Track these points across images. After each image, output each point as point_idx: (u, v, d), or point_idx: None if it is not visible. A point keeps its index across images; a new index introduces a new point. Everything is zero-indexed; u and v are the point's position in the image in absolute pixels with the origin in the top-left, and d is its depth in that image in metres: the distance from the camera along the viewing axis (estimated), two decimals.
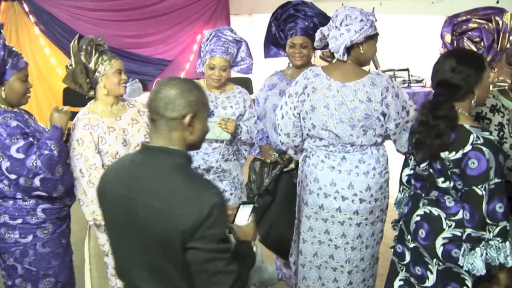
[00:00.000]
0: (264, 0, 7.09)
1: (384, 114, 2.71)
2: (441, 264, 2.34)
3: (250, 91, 8.09)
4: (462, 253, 2.24)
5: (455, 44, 2.71)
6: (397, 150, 2.95)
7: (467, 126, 2.20)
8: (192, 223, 1.58)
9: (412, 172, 2.60)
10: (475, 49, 2.62)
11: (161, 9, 7.79)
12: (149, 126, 1.80)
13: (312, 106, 2.77)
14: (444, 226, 2.33)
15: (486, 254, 2.18)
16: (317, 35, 2.81)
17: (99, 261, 3.09)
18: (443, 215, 2.34)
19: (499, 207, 2.17)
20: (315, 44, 2.90)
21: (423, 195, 2.45)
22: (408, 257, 2.54)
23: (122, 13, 7.57)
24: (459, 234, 2.28)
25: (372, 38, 2.70)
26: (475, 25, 2.64)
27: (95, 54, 2.85)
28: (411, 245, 2.49)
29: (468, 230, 2.23)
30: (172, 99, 1.68)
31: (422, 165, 2.40)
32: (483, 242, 2.20)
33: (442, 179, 2.33)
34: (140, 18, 7.70)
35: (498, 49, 2.61)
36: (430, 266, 2.40)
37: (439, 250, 2.32)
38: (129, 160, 1.80)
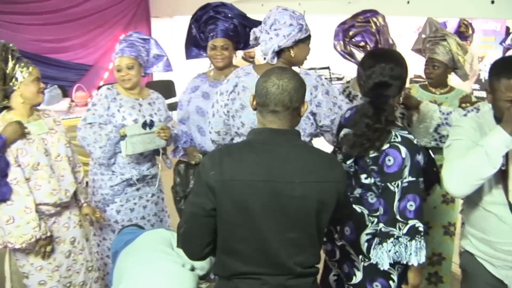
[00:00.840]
0: (185, 2, 7.02)
1: (313, 114, 2.73)
2: (366, 260, 2.38)
3: (173, 94, 8.02)
4: (373, 246, 2.31)
5: (347, 50, 2.85)
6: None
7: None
8: (338, 187, 1.92)
9: None
10: (362, 54, 2.80)
11: (80, 12, 7.57)
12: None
13: (242, 105, 2.77)
14: (367, 222, 2.37)
15: (393, 250, 2.23)
16: (251, 35, 2.80)
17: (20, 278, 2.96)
18: (365, 212, 2.38)
19: (410, 205, 2.22)
20: (250, 43, 2.89)
21: (348, 193, 2.44)
22: (338, 255, 2.58)
23: (38, 17, 7.28)
24: (383, 229, 2.33)
25: (303, 41, 2.70)
26: (360, 29, 2.81)
27: (12, 60, 2.71)
28: (339, 243, 2.53)
29: (380, 225, 2.29)
30: (290, 90, 1.86)
31: (348, 162, 2.45)
32: (392, 238, 2.24)
33: (365, 175, 2.40)
34: (58, 22, 7.45)
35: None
36: (356, 264, 2.44)
37: (364, 246, 2.36)
38: (258, 149, 1.88)
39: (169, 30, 8.48)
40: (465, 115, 2.97)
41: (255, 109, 1.97)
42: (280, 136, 1.89)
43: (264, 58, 2.76)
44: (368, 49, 2.81)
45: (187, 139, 3.53)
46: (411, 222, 2.21)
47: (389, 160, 2.24)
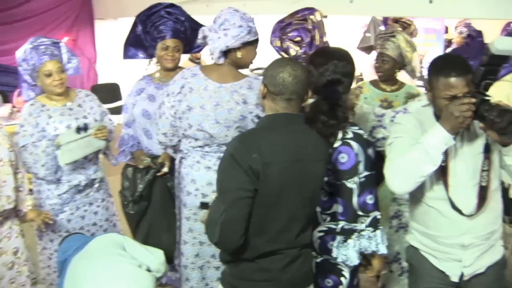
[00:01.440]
0: (129, 4, 6.96)
1: (258, 116, 2.74)
2: (319, 256, 2.39)
3: (119, 97, 7.91)
4: (336, 245, 2.31)
5: (284, 47, 2.91)
6: None
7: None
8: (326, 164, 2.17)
9: None
10: (298, 49, 2.85)
11: (20, 14, 7.44)
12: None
13: (189, 106, 2.75)
14: (320, 220, 2.39)
15: (359, 244, 2.28)
16: (200, 33, 2.78)
17: None
18: (318, 209, 2.38)
19: (370, 199, 2.28)
20: (198, 41, 2.86)
21: None
22: None
23: None
24: (334, 226, 2.35)
25: (251, 44, 2.71)
26: (296, 27, 2.90)
27: None
28: None
29: (342, 223, 2.31)
30: (302, 80, 2.06)
31: None
32: (356, 234, 2.28)
33: None
34: None
35: (317, 43, 2.88)
36: None
37: (316, 243, 2.38)
38: (282, 132, 2.04)
39: (114, 32, 8.36)
40: (394, 116, 3.06)
41: (264, 97, 2.11)
42: (294, 119, 2.09)
43: (212, 58, 2.75)
44: (304, 44, 2.89)
45: (134, 143, 3.47)
46: (372, 214, 2.29)
47: (343, 157, 2.28)
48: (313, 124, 2.29)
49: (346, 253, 2.29)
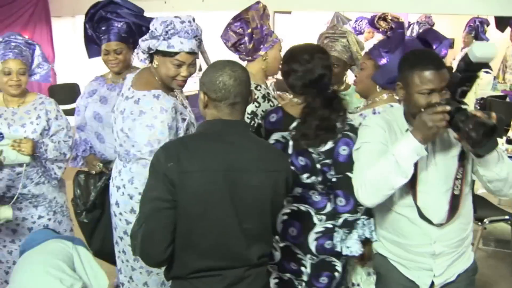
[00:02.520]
0: (86, 1, 6.75)
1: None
2: (315, 258, 2.37)
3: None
4: (339, 239, 2.30)
5: (225, 37, 2.91)
6: None
7: None
8: (288, 176, 2.00)
9: None
10: (237, 39, 2.87)
11: None
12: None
13: None
14: (315, 221, 2.35)
15: (360, 233, 2.29)
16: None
17: None
18: (312, 211, 2.36)
19: None
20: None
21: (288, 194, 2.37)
22: (278, 257, 2.48)
23: None
24: (331, 226, 2.34)
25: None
26: (239, 18, 2.85)
27: None
28: (281, 244, 2.46)
29: (345, 216, 2.29)
30: (245, 80, 1.92)
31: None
32: (357, 224, 2.29)
33: (306, 174, 2.34)
34: None
35: (256, 37, 2.84)
36: (303, 262, 2.41)
37: (312, 245, 2.35)
38: (213, 139, 1.90)
39: (71, 30, 8.13)
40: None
41: (205, 106, 1.95)
42: (233, 126, 1.93)
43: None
44: (245, 37, 2.85)
45: (86, 147, 3.28)
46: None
47: (344, 149, 2.28)
48: (310, 122, 2.28)
49: (350, 245, 2.28)
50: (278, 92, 3.44)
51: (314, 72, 2.31)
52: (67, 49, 8.21)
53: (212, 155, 1.85)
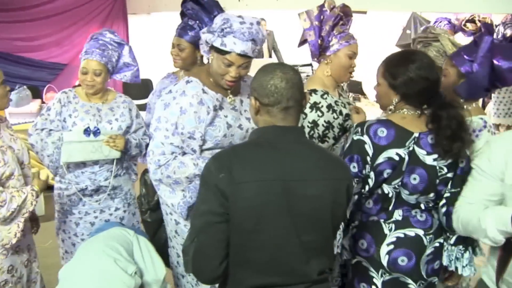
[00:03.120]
0: None
1: None
2: (423, 283, 2.20)
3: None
4: (454, 258, 2.18)
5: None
6: None
7: None
8: (349, 185, 1.85)
9: (357, 197, 2.30)
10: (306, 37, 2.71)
11: (53, 9, 7.31)
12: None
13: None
14: (425, 243, 2.17)
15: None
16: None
17: None
18: (421, 232, 2.17)
19: None
20: None
21: (382, 220, 2.22)
22: (349, 276, 2.35)
23: (9, 14, 6.97)
24: (438, 244, 2.20)
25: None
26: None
27: None
28: (386, 278, 2.22)
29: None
30: (297, 82, 1.80)
31: (395, 182, 2.17)
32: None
33: (416, 195, 2.17)
34: (30, 19, 7.12)
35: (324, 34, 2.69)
36: (375, 280, 2.22)
37: (424, 269, 2.18)
38: (267, 147, 1.79)
39: (146, 27, 8.28)
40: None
41: (257, 112, 1.85)
42: (288, 133, 1.82)
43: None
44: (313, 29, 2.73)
45: None
46: None
47: (462, 161, 2.14)
48: (443, 136, 2.07)
49: (466, 263, 2.20)
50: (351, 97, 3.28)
51: (437, 81, 2.16)
52: (142, 45, 8.38)
53: (266, 164, 1.74)
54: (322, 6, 2.73)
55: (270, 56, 9.09)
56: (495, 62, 2.28)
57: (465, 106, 2.40)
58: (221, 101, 2.45)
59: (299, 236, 1.75)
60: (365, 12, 8.39)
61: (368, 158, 2.14)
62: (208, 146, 2.44)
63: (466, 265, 2.15)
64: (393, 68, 2.18)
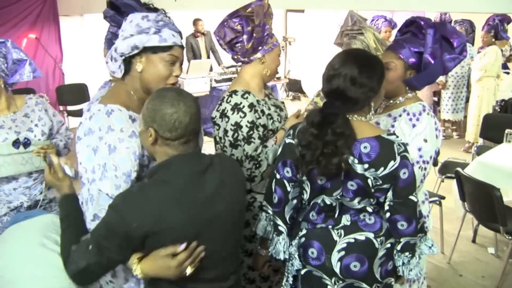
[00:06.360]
0: (95, 0, 6.65)
1: None
2: (379, 285, 2.12)
3: (87, 98, 7.77)
4: (401, 264, 2.11)
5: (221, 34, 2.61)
6: None
7: (385, 136, 1.98)
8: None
9: (295, 202, 2.18)
10: (234, 36, 2.55)
11: None
12: None
13: None
14: (377, 246, 2.08)
15: (420, 252, 2.17)
16: None
17: None
18: (371, 236, 2.07)
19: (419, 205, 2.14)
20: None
21: (331, 226, 2.11)
22: None
23: None
24: (390, 245, 2.11)
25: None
26: (239, 15, 2.56)
27: None
28: (340, 285, 2.12)
29: (406, 239, 2.08)
30: (199, 113, 1.78)
31: (336, 193, 2.05)
32: (418, 244, 2.15)
33: (358, 199, 2.05)
34: None
35: (256, 36, 2.56)
36: None
37: (378, 272, 2.09)
38: (175, 184, 1.72)
39: (79, 28, 7.98)
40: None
41: (154, 143, 1.75)
42: (192, 161, 1.78)
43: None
44: (244, 34, 2.61)
45: None
46: (421, 220, 2.16)
47: (404, 173, 1.99)
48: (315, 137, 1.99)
49: (412, 268, 2.13)
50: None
51: (331, 83, 2.01)
52: (75, 48, 8.07)
53: (179, 204, 1.70)
54: (268, 5, 2.65)
55: (208, 57, 8.88)
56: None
57: (409, 95, 2.46)
58: None
59: (224, 251, 1.83)
60: (302, 11, 8.41)
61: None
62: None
63: (412, 269, 2.12)
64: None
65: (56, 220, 2.13)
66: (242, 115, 2.48)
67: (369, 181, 1.98)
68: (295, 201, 2.16)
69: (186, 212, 1.69)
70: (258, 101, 2.57)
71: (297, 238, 2.19)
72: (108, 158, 1.89)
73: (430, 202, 3.45)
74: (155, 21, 1.98)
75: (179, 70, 2.05)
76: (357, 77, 1.92)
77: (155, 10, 2.21)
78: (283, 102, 2.84)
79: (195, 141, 1.78)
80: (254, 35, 2.55)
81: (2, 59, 2.78)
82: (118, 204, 1.68)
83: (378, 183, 1.99)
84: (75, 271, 1.74)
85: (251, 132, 2.49)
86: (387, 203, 2.06)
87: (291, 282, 2.24)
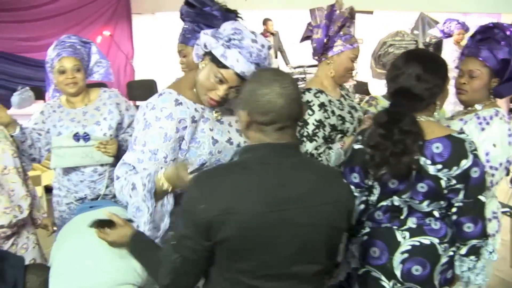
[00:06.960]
0: None
1: None
2: None
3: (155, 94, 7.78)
4: (466, 269, 2.05)
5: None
6: None
7: (455, 134, 1.95)
8: (349, 205, 1.69)
9: (363, 206, 2.14)
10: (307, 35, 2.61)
11: (57, 9, 7.29)
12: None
13: None
14: (440, 252, 2.04)
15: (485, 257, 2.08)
16: None
17: None
18: (435, 241, 2.04)
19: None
20: None
21: (396, 227, 2.08)
22: None
23: (12, 13, 6.96)
24: (452, 253, 2.06)
25: None
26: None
27: None
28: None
29: (473, 242, 2.02)
30: (297, 98, 1.57)
31: (405, 195, 2.02)
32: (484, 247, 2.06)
33: (427, 201, 2.01)
34: (34, 19, 7.13)
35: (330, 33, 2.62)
36: None
37: (437, 279, 2.06)
38: (256, 170, 1.55)
39: (151, 27, 8.18)
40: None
41: (247, 127, 1.60)
42: (281, 151, 1.58)
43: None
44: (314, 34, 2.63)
45: None
46: (485, 223, 2.07)
47: (475, 172, 1.94)
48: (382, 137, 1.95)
49: (479, 272, 2.06)
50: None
51: (396, 82, 2.02)
52: (146, 45, 8.28)
53: (255, 191, 1.52)
54: (333, 6, 2.66)
55: (276, 57, 8.98)
56: None
57: (488, 102, 2.41)
58: (202, 111, 2.12)
59: (289, 267, 1.58)
60: (371, 12, 8.31)
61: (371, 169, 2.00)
62: (193, 169, 2.06)
63: (478, 273, 2.05)
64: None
65: (124, 213, 2.16)
66: (311, 112, 2.53)
67: (442, 182, 1.95)
68: (362, 206, 2.14)
69: (258, 204, 1.51)
70: (330, 101, 2.60)
71: (359, 236, 2.17)
72: (141, 132, 2.00)
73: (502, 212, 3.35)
74: (236, 39, 1.93)
75: (223, 92, 1.97)
76: (421, 74, 1.90)
77: (227, 11, 2.26)
78: (359, 103, 2.85)
79: (292, 129, 1.60)
80: (317, 36, 2.61)
81: (87, 58, 2.93)
82: (189, 186, 1.60)
83: (451, 183, 1.95)
84: (165, 275, 1.63)
85: (316, 131, 2.52)
86: (456, 204, 2.01)
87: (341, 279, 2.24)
